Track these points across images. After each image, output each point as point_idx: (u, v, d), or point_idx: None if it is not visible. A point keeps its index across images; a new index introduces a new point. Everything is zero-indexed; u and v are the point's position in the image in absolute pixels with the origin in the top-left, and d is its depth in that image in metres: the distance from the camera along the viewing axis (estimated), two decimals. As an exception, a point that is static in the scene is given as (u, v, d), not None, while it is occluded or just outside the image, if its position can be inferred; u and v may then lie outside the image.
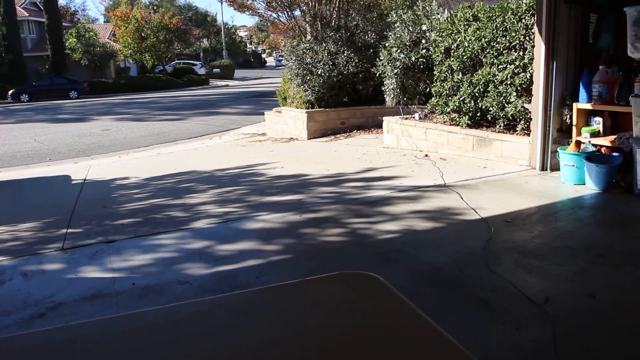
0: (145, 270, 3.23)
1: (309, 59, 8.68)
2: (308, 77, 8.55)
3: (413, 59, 6.81)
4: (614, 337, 2.27)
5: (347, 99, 9.15)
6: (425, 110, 7.04)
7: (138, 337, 0.64)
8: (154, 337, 0.64)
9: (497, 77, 5.38)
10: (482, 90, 5.60)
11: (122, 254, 3.51)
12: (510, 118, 5.39)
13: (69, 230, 4.11)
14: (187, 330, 0.66)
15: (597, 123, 4.63)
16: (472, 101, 5.73)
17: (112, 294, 2.92)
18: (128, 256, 3.48)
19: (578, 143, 4.61)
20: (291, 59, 8.98)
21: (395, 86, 7.08)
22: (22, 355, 0.63)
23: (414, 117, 6.95)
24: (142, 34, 31.99)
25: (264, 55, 70.73)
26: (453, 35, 5.98)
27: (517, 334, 2.30)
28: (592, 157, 4.33)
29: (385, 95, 7.59)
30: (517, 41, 5.16)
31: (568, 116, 4.78)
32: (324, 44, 8.77)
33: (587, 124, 4.71)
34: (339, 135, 8.41)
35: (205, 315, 0.71)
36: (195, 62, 42.13)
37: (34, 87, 28.32)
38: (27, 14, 33.65)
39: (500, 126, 5.54)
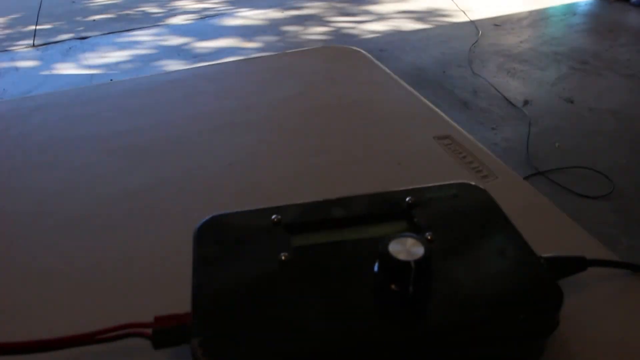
0: (123, 67, 3.15)
1: None
2: None
3: None
4: (584, 138, 2.36)
5: None
6: None
7: (110, 104, 0.62)
8: (127, 104, 0.63)
9: None
10: None
11: (97, 51, 3.38)
12: None
13: (38, 27, 3.89)
14: (162, 97, 0.64)
15: None
16: None
17: (90, 89, 2.88)
18: (103, 53, 3.35)
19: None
20: None
21: None
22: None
23: None
24: None
25: None
26: None
27: (492, 133, 2.37)
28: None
29: None
30: None
31: None
32: None
33: None
34: None
35: (181, 83, 0.69)
36: None
37: None
38: None
39: None
